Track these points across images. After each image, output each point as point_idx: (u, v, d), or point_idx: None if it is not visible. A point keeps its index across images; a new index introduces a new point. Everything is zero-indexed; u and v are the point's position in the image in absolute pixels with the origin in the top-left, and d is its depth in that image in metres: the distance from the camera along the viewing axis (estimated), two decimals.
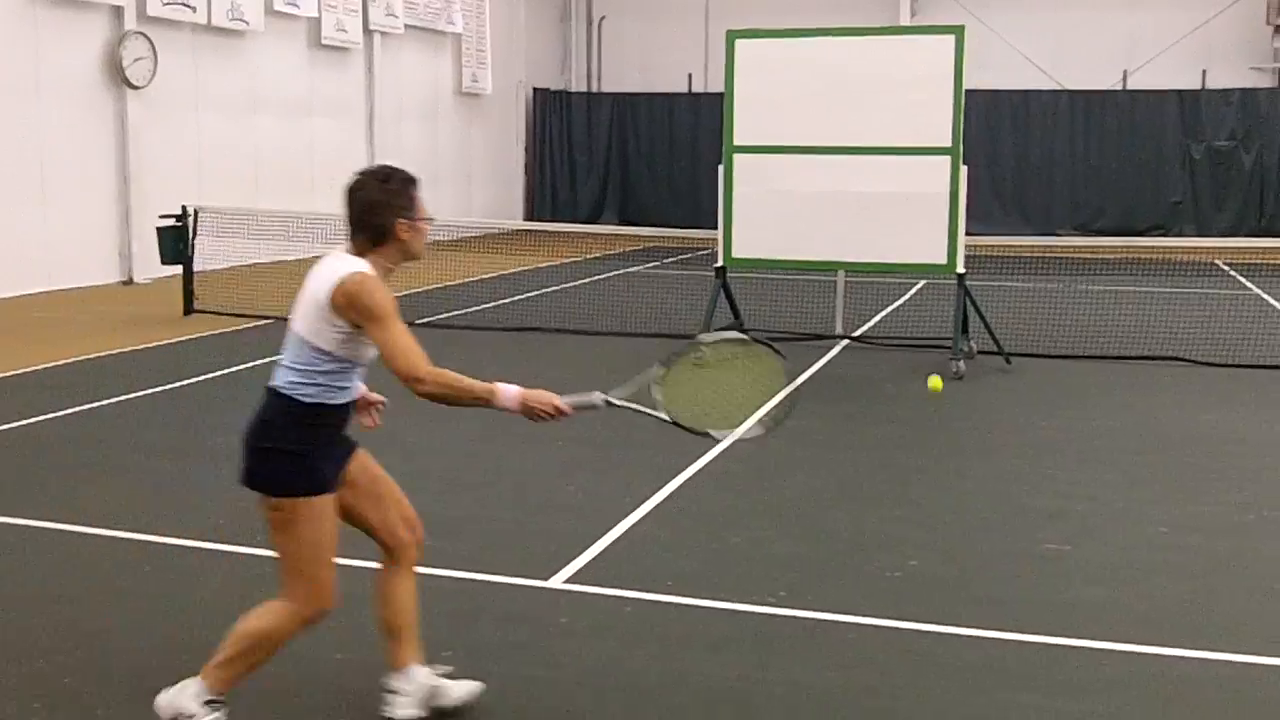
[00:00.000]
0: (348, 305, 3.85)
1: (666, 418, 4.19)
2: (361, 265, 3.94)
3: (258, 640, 4.02)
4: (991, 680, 4.72)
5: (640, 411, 4.15)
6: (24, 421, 8.85)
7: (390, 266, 4.04)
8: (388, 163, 4.24)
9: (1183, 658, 4.93)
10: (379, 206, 3.98)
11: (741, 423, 4.29)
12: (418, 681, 4.26)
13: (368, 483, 4.23)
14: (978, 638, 5.12)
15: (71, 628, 5.15)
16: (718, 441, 4.15)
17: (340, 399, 4.06)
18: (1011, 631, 5.16)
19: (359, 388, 4.25)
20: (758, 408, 4.37)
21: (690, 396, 4.31)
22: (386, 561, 4.27)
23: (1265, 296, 16.47)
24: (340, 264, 3.94)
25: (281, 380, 3.98)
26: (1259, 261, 20.36)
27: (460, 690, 4.35)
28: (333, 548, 4.03)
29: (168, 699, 4.06)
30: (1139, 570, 5.99)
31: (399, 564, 4.26)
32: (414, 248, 4.06)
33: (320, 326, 3.92)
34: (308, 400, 3.95)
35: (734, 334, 4.41)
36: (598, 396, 4.08)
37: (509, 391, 3.98)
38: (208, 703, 4.02)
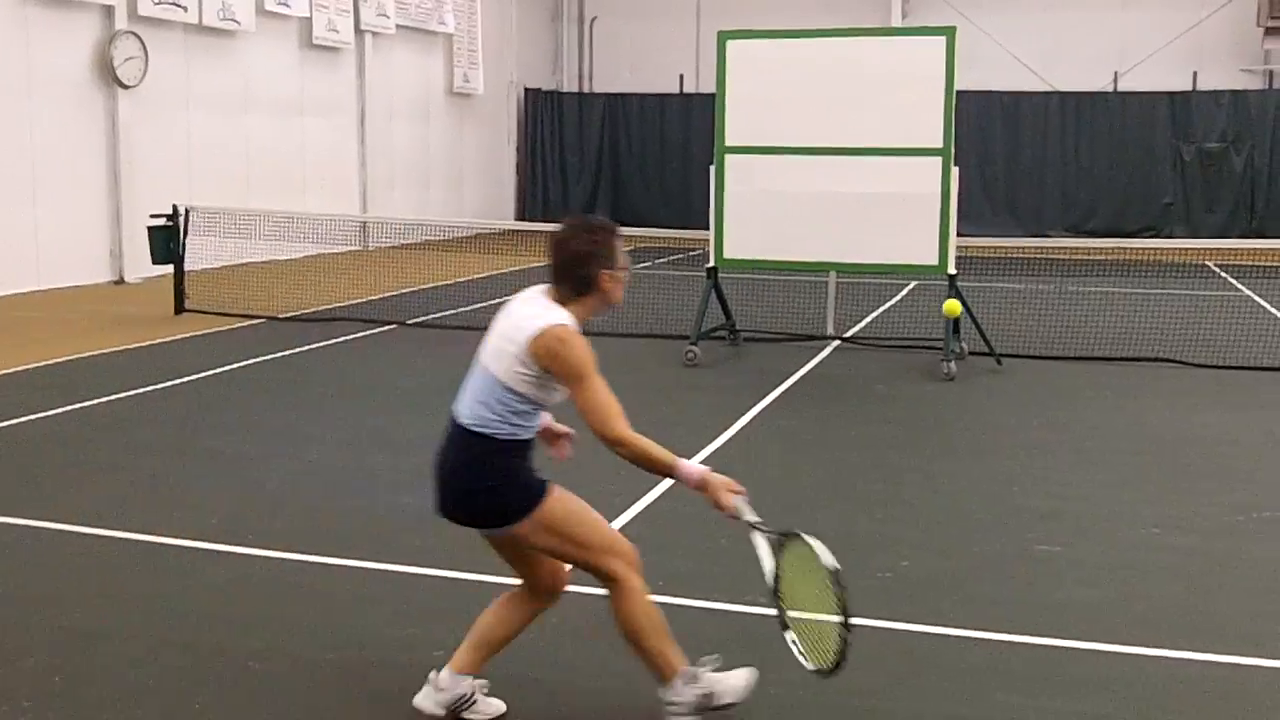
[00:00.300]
0: (547, 356, 3.97)
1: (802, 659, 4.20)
2: (564, 316, 4.03)
3: (640, 627, 4.13)
4: (984, 681, 4.72)
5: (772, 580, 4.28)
6: (14, 421, 8.83)
7: (589, 316, 4.14)
8: (589, 215, 4.33)
9: (1176, 659, 4.94)
10: (586, 258, 4.07)
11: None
12: (460, 689, 4.28)
13: None
14: (970, 638, 5.12)
15: (63, 627, 5.13)
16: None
17: (531, 434, 4.17)
18: (1004, 632, 5.16)
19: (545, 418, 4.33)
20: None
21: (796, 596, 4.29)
22: (524, 590, 4.37)
23: (1256, 298, 16.51)
24: (543, 311, 4.04)
25: (473, 418, 4.07)
26: (1250, 263, 20.41)
27: (489, 708, 4.37)
28: (590, 512, 4.17)
29: (681, 712, 4.18)
30: (1131, 571, 5.99)
31: (534, 600, 4.37)
32: (614, 297, 4.17)
33: (514, 369, 4.01)
34: (503, 438, 4.06)
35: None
36: (754, 517, 4.24)
37: (691, 470, 4.10)
38: (686, 681, 4.18)
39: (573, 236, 4.09)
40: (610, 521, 6.48)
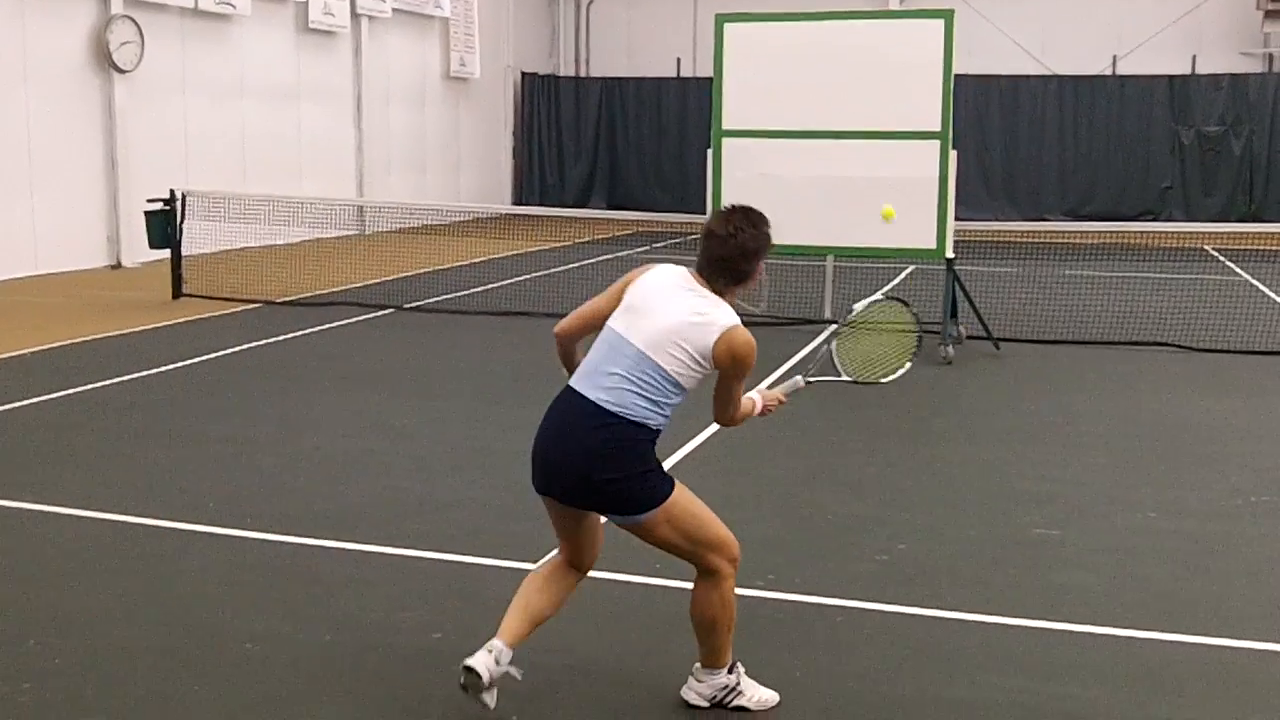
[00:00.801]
0: (729, 358, 4.00)
1: (850, 378, 4.80)
2: (734, 315, 4.04)
3: (717, 617, 4.19)
4: (979, 664, 4.73)
5: (833, 381, 4.77)
6: (12, 405, 8.83)
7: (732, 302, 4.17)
8: (744, 205, 4.25)
9: (1170, 642, 4.95)
10: (755, 255, 4.09)
11: (899, 367, 4.92)
12: (506, 660, 4.20)
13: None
14: (965, 621, 5.13)
15: (61, 609, 5.14)
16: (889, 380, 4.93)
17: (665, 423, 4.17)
18: (1000, 615, 5.18)
19: None
20: (905, 351, 4.98)
21: (862, 356, 4.87)
22: (565, 564, 4.37)
23: (1254, 282, 16.51)
24: (714, 308, 4.04)
25: (620, 403, 4.01)
26: (1248, 247, 20.41)
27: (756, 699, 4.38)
28: (704, 508, 4.23)
29: (703, 692, 4.29)
30: (1127, 555, 6.01)
31: (576, 574, 4.39)
32: (755, 285, 4.26)
33: (690, 366, 4.02)
34: (654, 426, 4.07)
35: (874, 299, 5.02)
36: (799, 380, 4.58)
37: (759, 401, 4.38)
38: (730, 670, 4.30)
39: (741, 231, 4.06)
40: None
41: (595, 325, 4.26)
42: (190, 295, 14.07)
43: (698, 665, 4.32)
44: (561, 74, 29.82)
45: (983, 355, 11.28)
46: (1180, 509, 6.75)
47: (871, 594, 5.40)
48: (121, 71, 17.17)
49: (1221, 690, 4.55)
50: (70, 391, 9.29)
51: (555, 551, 4.41)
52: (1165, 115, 25.96)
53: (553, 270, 17.44)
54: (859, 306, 4.93)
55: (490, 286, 15.70)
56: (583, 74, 29.95)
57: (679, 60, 28.85)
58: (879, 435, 8.46)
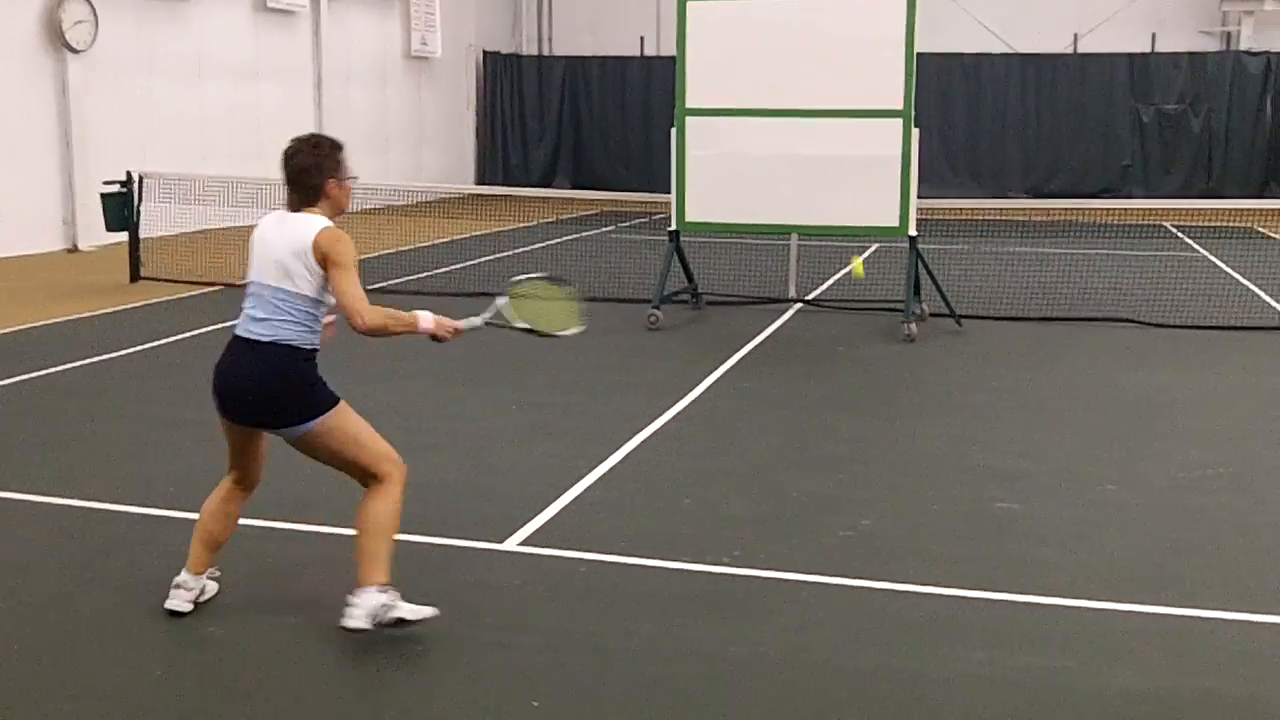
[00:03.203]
0: (328, 247, 4.49)
1: (524, 326, 5.13)
2: (321, 220, 4.58)
3: (381, 525, 4.62)
4: (944, 637, 4.76)
5: (508, 327, 5.13)
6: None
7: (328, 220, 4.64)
8: (318, 134, 4.85)
9: (1133, 612, 5.00)
10: (314, 170, 4.62)
11: (569, 327, 5.26)
12: (200, 584, 4.87)
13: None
14: (930, 595, 5.16)
15: (20, 595, 5.09)
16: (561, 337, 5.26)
17: (318, 340, 4.68)
18: (964, 589, 5.21)
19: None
20: (573, 314, 5.31)
21: (532, 313, 5.22)
22: (236, 486, 4.94)
23: (1212, 258, 16.65)
24: (300, 221, 4.58)
25: (270, 333, 4.54)
26: (1207, 224, 20.57)
27: (210, 589, 4.96)
28: (369, 427, 4.71)
29: (358, 614, 4.53)
30: (1089, 528, 6.05)
31: (244, 494, 4.98)
32: (343, 204, 4.72)
33: (306, 277, 4.52)
34: (305, 346, 4.58)
35: (533, 276, 5.41)
36: (476, 319, 4.98)
37: (426, 318, 4.74)
38: (384, 589, 4.57)
39: (299, 152, 4.63)
40: (572, 485, 6.56)
41: None
42: (149, 278, 13.94)
43: (351, 595, 4.58)
44: (524, 53, 29.67)
45: (945, 332, 11.33)
46: (1141, 482, 6.80)
47: (836, 569, 5.42)
48: (75, 51, 16.94)
49: (1182, 658, 4.60)
50: (26, 376, 9.19)
51: (226, 477, 4.91)
52: (1125, 93, 26.12)
53: (517, 250, 17.38)
54: (521, 278, 5.33)
55: (454, 267, 15.63)
56: (546, 53, 29.81)
57: (642, 39, 28.75)
58: (843, 412, 8.48)
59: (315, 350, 4.64)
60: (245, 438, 4.81)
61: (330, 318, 4.77)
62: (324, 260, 4.49)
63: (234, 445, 4.84)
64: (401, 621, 4.54)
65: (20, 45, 16.40)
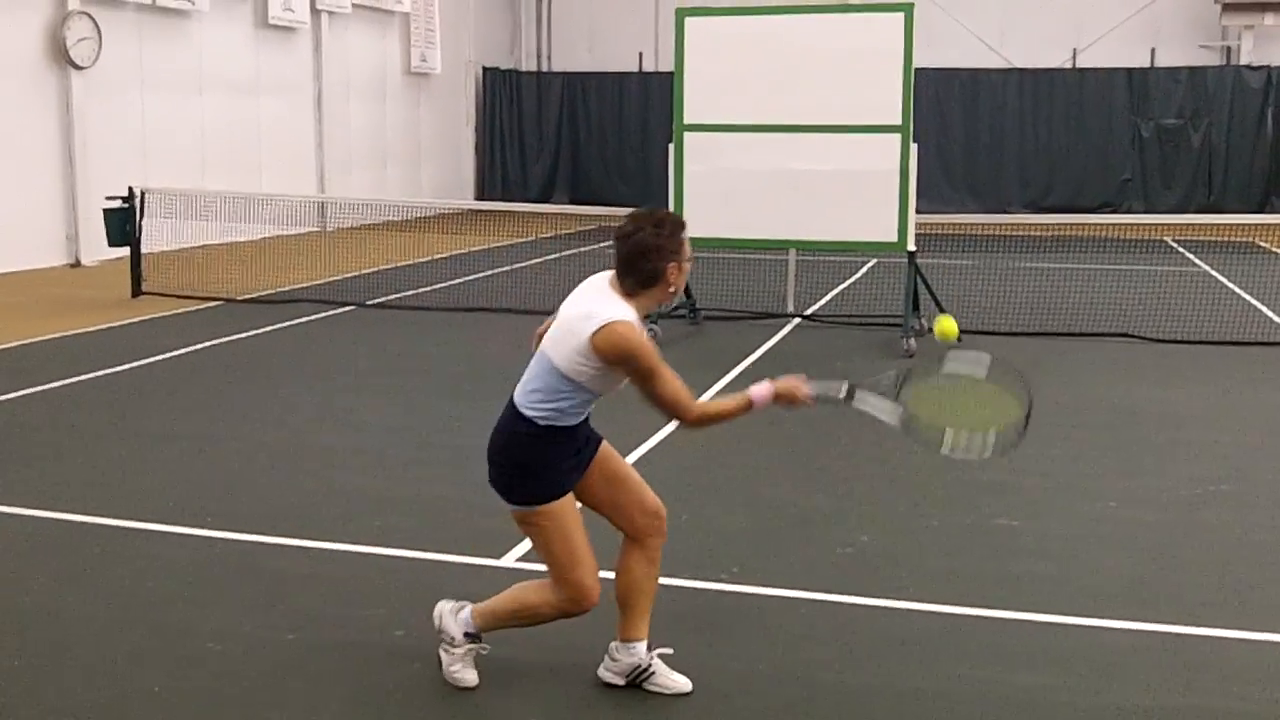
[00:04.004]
0: (611, 351, 4.00)
1: (898, 425, 4.27)
2: (626, 312, 4.04)
3: (524, 608, 4.36)
4: (942, 654, 4.75)
5: (878, 419, 4.31)
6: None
7: (653, 307, 4.22)
8: (659, 208, 4.34)
9: (1132, 630, 4.99)
10: (654, 253, 4.07)
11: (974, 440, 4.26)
12: (632, 656, 4.39)
13: (607, 472, 4.42)
14: (929, 612, 5.15)
15: (19, 609, 5.09)
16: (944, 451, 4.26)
17: (574, 422, 4.21)
18: (963, 606, 5.20)
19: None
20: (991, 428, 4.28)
21: (933, 411, 4.31)
22: (626, 540, 4.42)
23: (1213, 273, 16.66)
24: (606, 304, 4.06)
25: (523, 400, 4.17)
26: (1207, 238, 20.58)
27: (670, 680, 4.41)
28: (578, 536, 4.24)
29: (443, 611, 4.46)
30: (1088, 544, 6.05)
31: (638, 544, 4.40)
32: (678, 288, 4.22)
33: (574, 360, 4.06)
34: (539, 420, 4.13)
35: (979, 366, 4.32)
36: (841, 389, 4.30)
37: (762, 393, 4.22)
38: (468, 635, 4.40)
39: (640, 229, 4.09)
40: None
41: None
42: (150, 293, 13.95)
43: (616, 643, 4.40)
44: (523, 68, 29.73)
45: (944, 347, 11.32)
46: (1139, 498, 6.80)
47: (835, 586, 5.41)
48: (78, 68, 16.99)
49: (1181, 677, 4.59)
50: (29, 390, 9.19)
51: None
52: (1125, 108, 26.14)
53: (515, 266, 17.40)
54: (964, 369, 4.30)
55: (452, 282, 15.64)
56: (544, 69, 29.87)
57: (640, 55, 28.82)
58: (840, 428, 8.47)
59: (556, 430, 4.15)
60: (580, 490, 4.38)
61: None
62: (618, 365, 4.04)
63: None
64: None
65: (24, 62, 16.44)
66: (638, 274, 4.08)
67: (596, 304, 4.06)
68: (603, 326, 3.98)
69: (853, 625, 5.05)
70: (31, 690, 4.37)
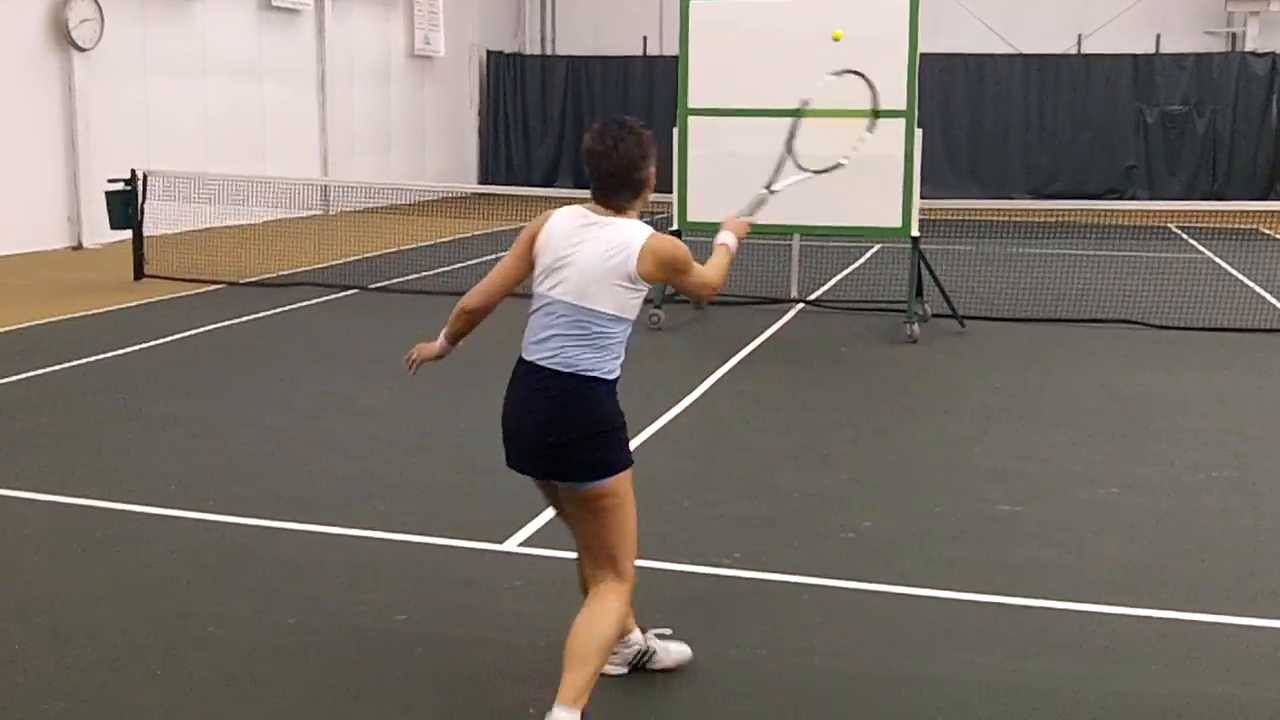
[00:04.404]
0: (659, 267, 3.88)
1: (816, 167, 4.81)
2: (643, 229, 3.91)
3: (610, 637, 3.89)
4: (944, 640, 4.75)
5: (796, 182, 4.80)
6: None
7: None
8: (615, 118, 4.16)
9: (1135, 616, 4.98)
10: (643, 160, 3.96)
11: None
12: (630, 647, 4.33)
13: None
14: (931, 598, 5.15)
15: (22, 594, 5.09)
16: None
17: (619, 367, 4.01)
18: (964, 591, 5.19)
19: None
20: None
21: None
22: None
23: (1217, 260, 16.63)
24: (622, 229, 3.90)
25: (572, 362, 3.85)
26: (1211, 225, 20.54)
27: (670, 656, 4.38)
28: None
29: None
30: (1091, 530, 6.04)
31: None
32: (649, 196, 4.08)
33: (625, 297, 3.88)
34: (609, 375, 3.91)
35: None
36: (764, 193, 4.62)
37: (733, 242, 4.34)
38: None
39: (621, 141, 3.94)
40: None
41: (506, 291, 4.14)
42: (152, 276, 13.93)
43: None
44: (527, 52, 29.65)
45: (948, 333, 11.31)
46: (1142, 484, 6.79)
47: (838, 571, 5.41)
48: (81, 49, 16.95)
49: (1184, 663, 4.59)
50: (30, 374, 9.19)
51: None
52: (1129, 94, 26.04)
53: None
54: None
55: (455, 266, 15.61)
56: (548, 52, 29.79)
57: (645, 39, 28.72)
58: (844, 412, 8.47)
59: (617, 380, 3.95)
60: (554, 495, 4.09)
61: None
62: (667, 275, 3.94)
63: (556, 509, 4.20)
64: None
65: (26, 44, 16.40)
66: (633, 186, 3.94)
67: (614, 233, 3.89)
68: (644, 246, 3.85)
69: (855, 611, 5.05)
70: (33, 674, 4.37)
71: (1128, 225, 19.20)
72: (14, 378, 9.06)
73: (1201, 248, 18.03)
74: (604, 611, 3.89)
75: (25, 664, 4.45)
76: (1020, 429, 8.01)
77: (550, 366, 3.87)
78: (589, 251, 3.88)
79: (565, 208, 4.05)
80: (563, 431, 3.84)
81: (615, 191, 3.95)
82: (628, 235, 3.88)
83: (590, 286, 3.86)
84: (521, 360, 3.98)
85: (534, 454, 3.92)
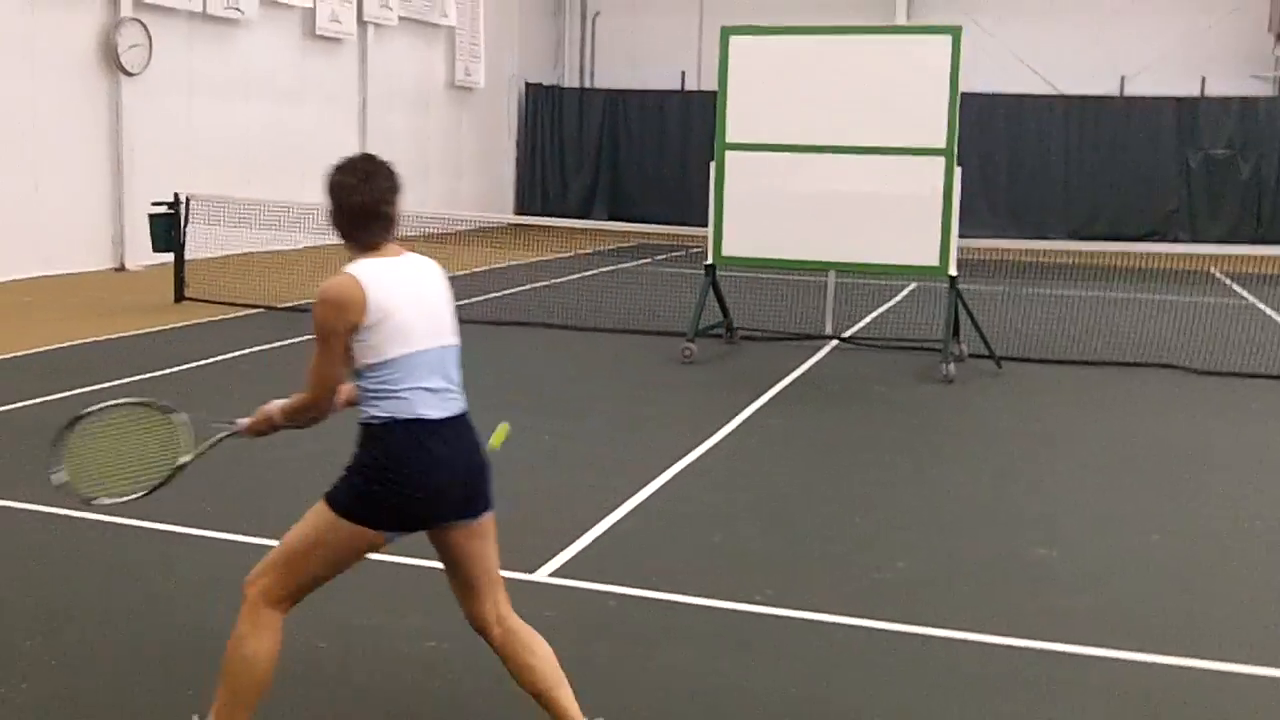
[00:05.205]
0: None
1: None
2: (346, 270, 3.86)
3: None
4: (976, 685, 4.70)
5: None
6: (14, 405, 8.81)
7: None
8: (350, 159, 4.03)
9: (1170, 665, 4.92)
10: (395, 195, 3.91)
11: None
12: None
13: None
14: (963, 641, 5.10)
15: (59, 609, 5.12)
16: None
17: None
18: (997, 635, 5.14)
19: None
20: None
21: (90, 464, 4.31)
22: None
23: (1260, 305, 16.48)
24: (424, 259, 3.90)
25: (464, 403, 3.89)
26: (1254, 270, 20.35)
27: None
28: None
29: None
30: (1126, 577, 5.98)
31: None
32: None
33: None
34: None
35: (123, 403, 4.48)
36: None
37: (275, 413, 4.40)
38: None
39: (366, 182, 3.84)
40: (604, 517, 6.53)
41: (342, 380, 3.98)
42: (192, 299, 14.05)
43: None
44: (566, 84, 29.85)
45: (984, 374, 11.25)
46: (1179, 531, 6.71)
47: (868, 611, 5.37)
48: (129, 74, 17.17)
49: (1222, 715, 4.52)
50: (72, 393, 9.26)
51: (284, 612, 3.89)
52: (1172, 137, 25.92)
53: (554, 280, 17.43)
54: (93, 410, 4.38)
55: (491, 296, 15.67)
56: (587, 85, 29.97)
57: (683, 73, 28.86)
58: (878, 451, 8.42)
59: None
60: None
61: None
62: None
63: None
64: None
65: (77, 67, 16.64)
66: (391, 222, 3.86)
67: (428, 266, 3.90)
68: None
69: (885, 652, 5.00)
70: (67, 689, 4.39)
71: (1169, 269, 19.08)
72: (55, 396, 9.14)
73: (1244, 293, 17.88)
74: (536, 635, 3.92)
75: (61, 678, 4.46)
76: (1057, 472, 7.94)
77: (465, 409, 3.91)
78: (433, 292, 3.95)
79: (354, 266, 3.88)
80: (481, 463, 3.94)
81: (393, 222, 3.90)
82: (433, 266, 3.95)
83: (449, 322, 3.97)
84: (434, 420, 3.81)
85: (471, 495, 3.88)
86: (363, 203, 3.80)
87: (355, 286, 3.71)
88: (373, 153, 3.97)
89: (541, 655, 3.87)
